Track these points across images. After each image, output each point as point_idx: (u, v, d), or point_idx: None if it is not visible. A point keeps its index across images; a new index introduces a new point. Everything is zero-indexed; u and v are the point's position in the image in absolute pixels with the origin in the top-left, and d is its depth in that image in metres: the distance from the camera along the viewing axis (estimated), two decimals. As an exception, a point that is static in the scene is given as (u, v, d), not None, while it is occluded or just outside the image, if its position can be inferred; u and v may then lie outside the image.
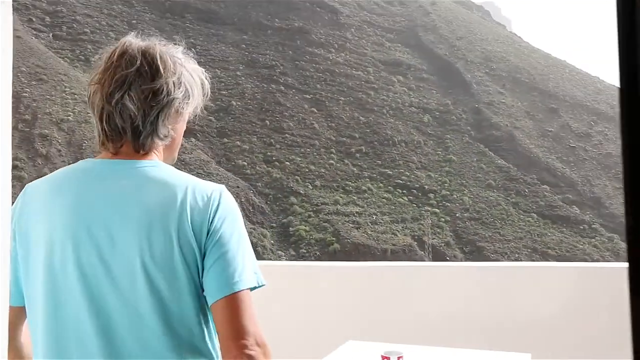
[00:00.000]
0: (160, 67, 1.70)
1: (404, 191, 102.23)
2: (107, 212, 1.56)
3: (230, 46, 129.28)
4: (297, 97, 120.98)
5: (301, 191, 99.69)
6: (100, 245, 1.52)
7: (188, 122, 1.86)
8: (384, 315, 4.16)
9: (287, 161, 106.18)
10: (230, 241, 1.52)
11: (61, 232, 1.56)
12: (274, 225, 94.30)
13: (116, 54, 1.78)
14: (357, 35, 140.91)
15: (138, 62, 1.71)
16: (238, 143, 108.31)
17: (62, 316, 1.51)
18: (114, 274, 1.50)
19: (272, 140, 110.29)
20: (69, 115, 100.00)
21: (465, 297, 4.13)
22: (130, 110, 1.63)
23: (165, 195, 1.55)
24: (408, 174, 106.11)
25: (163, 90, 1.66)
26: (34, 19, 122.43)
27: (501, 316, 3.95)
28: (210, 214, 1.53)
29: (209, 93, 1.87)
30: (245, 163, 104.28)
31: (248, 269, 1.51)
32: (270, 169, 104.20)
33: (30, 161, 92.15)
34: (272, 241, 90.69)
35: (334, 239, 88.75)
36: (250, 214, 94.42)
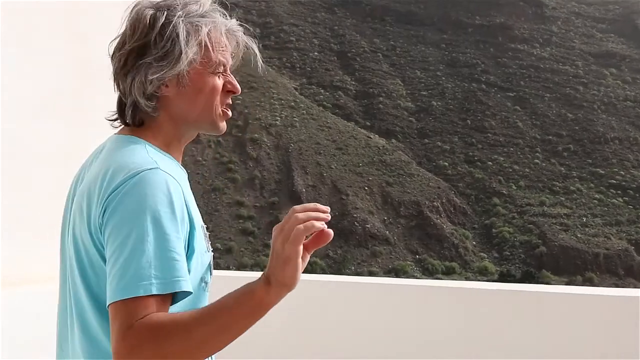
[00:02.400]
0: (130, 28, 1.45)
1: (619, 192, 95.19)
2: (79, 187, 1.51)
3: (430, 46, 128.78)
4: (499, 95, 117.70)
5: (504, 192, 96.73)
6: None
7: (216, 71, 1.51)
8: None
9: (489, 161, 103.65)
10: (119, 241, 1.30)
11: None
12: (476, 226, 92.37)
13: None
14: (564, 28, 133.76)
15: (123, 26, 1.48)
16: (439, 143, 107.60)
17: None
18: None
19: (473, 140, 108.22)
20: (277, 120, 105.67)
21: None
22: (114, 80, 1.49)
23: (93, 176, 1.41)
24: (623, 173, 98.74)
25: (135, 51, 1.43)
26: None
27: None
28: (108, 205, 1.32)
29: (231, 27, 1.54)
30: (447, 163, 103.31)
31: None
32: (472, 169, 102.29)
33: (243, 164, 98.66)
34: (474, 243, 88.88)
35: (539, 241, 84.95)
36: (451, 215, 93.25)
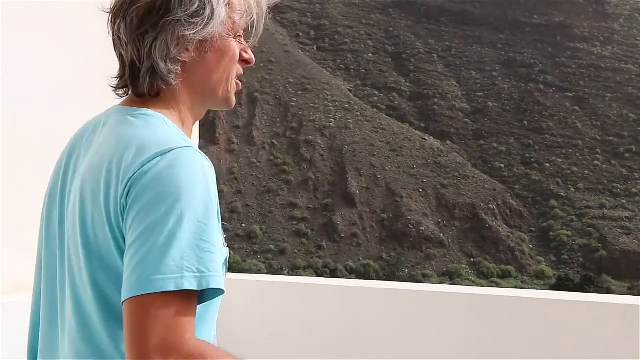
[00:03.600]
0: None
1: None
2: (80, 167, 1.32)
3: (486, 47, 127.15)
4: (557, 96, 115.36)
5: (562, 194, 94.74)
6: None
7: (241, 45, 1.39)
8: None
9: (547, 163, 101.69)
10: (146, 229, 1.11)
11: None
12: (533, 229, 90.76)
13: None
14: (627, 25, 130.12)
15: None
16: (495, 145, 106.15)
17: None
18: None
19: (530, 141, 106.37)
20: (331, 122, 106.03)
21: None
22: (123, 42, 1.27)
23: (105, 154, 1.22)
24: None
25: (157, 7, 1.24)
26: (300, 34, 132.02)
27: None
28: (130, 187, 1.14)
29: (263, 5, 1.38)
30: (503, 165, 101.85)
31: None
32: (528, 171, 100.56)
33: (297, 165, 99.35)
34: (530, 246, 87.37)
35: (599, 245, 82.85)
36: (507, 217, 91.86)
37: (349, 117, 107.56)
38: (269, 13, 1.43)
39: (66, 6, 3.33)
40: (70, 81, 3.33)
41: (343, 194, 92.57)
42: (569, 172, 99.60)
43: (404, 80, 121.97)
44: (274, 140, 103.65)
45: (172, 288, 1.03)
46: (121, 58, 1.29)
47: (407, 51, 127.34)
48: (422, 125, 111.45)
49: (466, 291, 3.44)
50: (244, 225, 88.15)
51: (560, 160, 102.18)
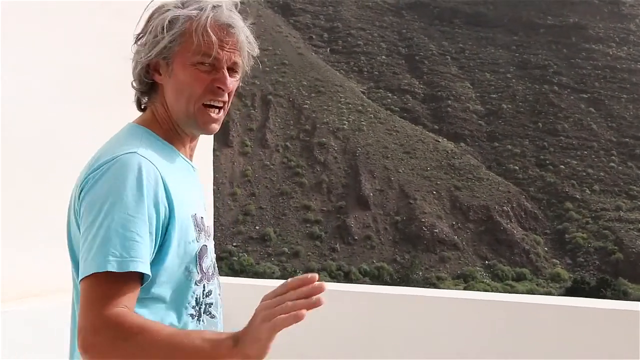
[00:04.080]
0: (143, 20, 1.56)
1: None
2: None
3: (500, 48, 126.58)
4: (572, 97, 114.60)
5: (577, 196, 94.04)
6: None
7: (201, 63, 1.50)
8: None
9: (561, 165, 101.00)
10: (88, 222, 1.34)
11: None
12: (548, 232, 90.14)
13: None
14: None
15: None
16: (509, 147, 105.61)
17: None
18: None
19: (545, 143, 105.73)
20: (344, 124, 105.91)
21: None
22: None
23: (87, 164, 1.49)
24: None
25: (135, 40, 1.55)
26: (313, 37, 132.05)
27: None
28: (83, 188, 1.39)
29: (217, 22, 1.50)
30: (517, 167, 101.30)
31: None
32: (543, 173, 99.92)
33: (310, 168, 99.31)
34: (545, 248, 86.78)
35: (615, 247, 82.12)
36: (522, 219, 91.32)
37: (362, 119, 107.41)
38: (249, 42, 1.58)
39: (66, 6, 3.27)
40: (69, 81, 3.25)
41: (357, 196, 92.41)
42: (585, 174, 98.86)
43: (417, 82, 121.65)
44: (288, 143, 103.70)
45: (95, 270, 1.25)
46: None
47: (421, 53, 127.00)
48: (436, 127, 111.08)
49: (478, 297, 3.36)
50: (257, 227, 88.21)
51: (575, 162, 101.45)
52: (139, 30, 1.53)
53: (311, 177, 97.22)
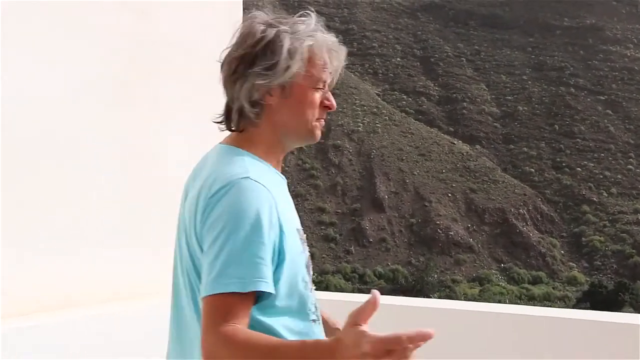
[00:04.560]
0: (241, 39, 1.61)
1: None
2: (189, 193, 1.67)
3: (516, 50, 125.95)
4: (589, 99, 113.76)
5: (595, 199, 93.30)
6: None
7: (315, 84, 1.64)
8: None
9: (578, 167, 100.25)
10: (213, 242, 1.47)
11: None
12: (564, 235, 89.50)
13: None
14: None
15: (233, 38, 1.64)
16: (525, 149, 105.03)
17: None
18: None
19: (561, 145, 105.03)
20: (359, 126, 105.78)
21: None
22: (223, 86, 1.64)
23: (200, 183, 1.58)
24: None
25: (244, 60, 1.58)
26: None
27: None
28: (205, 211, 1.50)
29: (333, 46, 1.66)
30: (533, 170, 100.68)
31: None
32: (559, 175, 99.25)
33: (325, 170, 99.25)
34: (562, 252, 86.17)
35: (633, 251, 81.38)
36: (538, 222, 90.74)
37: (377, 122, 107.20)
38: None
39: (78, 5, 3.18)
40: (77, 81, 3.14)
41: (371, 199, 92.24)
42: (602, 176, 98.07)
43: (432, 84, 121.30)
44: (303, 145, 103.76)
45: (220, 291, 1.37)
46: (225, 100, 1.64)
47: (436, 55, 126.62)
48: (451, 129, 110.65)
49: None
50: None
51: (592, 164, 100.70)
52: (244, 50, 1.57)
53: (326, 180, 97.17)
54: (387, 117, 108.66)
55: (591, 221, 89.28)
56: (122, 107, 3.36)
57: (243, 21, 1.64)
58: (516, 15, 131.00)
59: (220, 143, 1.68)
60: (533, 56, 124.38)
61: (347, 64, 1.64)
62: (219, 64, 1.64)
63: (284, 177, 1.71)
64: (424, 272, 76.81)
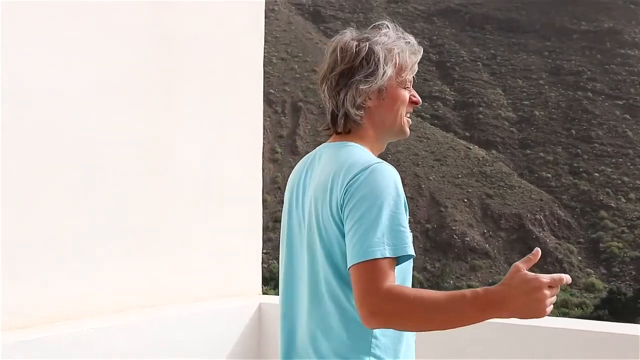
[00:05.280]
0: (340, 56, 1.90)
1: None
2: (309, 184, 1.93)
3: (532, 54, 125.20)
4: (607, 104, 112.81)
5: (612, 204, 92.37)
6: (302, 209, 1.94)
7: (404, 84, 1.96)
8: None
9: (595, 172, 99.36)
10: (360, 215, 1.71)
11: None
12: (582, 240, 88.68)
13: (326, 52, 2.01)
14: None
15: (329, 56, 1.94)
16: (541, 154, 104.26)
17: None
18: (302, 232, 1.91)
19: (578, 150, 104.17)
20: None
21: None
22: (326, 97, 1.93)
23: (328, 172, 1.83)
24: None
25: (346, 73, 1.88)
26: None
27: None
28: (347, 192, 1.74)
29: (413, 49, 1.99)
30: (550, 175, 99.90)
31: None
32: (577, 180, 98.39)
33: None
34: (579, 258, 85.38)
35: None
36: (555, 228, 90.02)
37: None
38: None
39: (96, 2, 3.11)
40: (94, 79, 3.09)
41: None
42: (620, 182, 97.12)
43: (448, 89, 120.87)
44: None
45: (378, 256, 1.61)
46: (329, 109, 1.94)
47: (452, 59, 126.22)
48: (467, 134, 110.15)
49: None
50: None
51: (610, 169, 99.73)
52: (349, 63, 1.87)
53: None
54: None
55: (609, 227, 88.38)
56: (145, 106, 3.33)
57: (332, 42, 1.94)
58: (532, 20, 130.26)
59: (328, 142, 1.98)
60: (550, 60, 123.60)
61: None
62: (317, 82, 1.96)
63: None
64: (440, 278, 76.39)
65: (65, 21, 2.97)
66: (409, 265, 1.82)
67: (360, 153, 1.84)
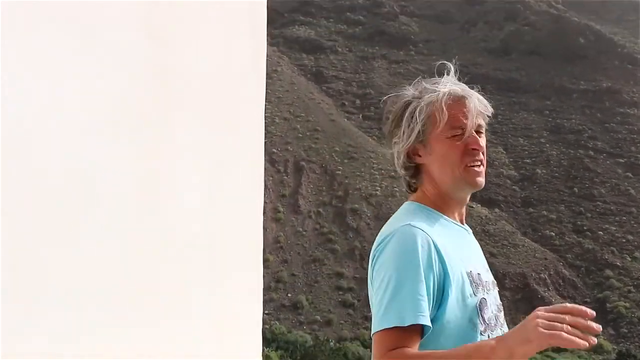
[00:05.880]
0: (390, 119, 1.97)
1: None
2: None
3: (533, 113, 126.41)
4: (608, 162, 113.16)
5: (618, 263, 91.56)
6: None
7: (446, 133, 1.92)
8: None
9: (600, 231, 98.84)
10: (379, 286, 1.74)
11: None
12: (588, 300, 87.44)
13: None
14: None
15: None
16: (544, 212, 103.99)
17: None
18: None
19: (581, 208, 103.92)
20: (377, 190, 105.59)
21: None
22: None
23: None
24: None
25: (390, 135, 1.96)
26: (346, 103, 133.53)
27: None
28: (373, 259, 1.81)
29: (453, 96, 1.94)
30: (553, 233, 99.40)
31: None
32: (581, 239, 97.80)
33: (343, 234, 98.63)
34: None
35: (661, 318, 79.32)
36: (560, 287, 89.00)
37: (395, 185, 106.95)
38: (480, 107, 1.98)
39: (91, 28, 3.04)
40: (89, 112, 2.97)
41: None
42: (624, 240, 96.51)
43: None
44: (320, 209, 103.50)
45: (385, 326, 1.62)
46: None
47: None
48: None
49: None
50: (289, 295, 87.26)
51: (614, 228, 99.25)
52: (389, 127, 1.94)
53: (344, 244, 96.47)
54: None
55: (615, 286, 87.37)
56: (141, 136, 3.19)
57: (388, 101, 2.00)
58: (532, 80, 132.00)
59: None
60: (550, 119, 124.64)
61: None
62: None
63: (462, 225, 1.96)
64: (445, 339, 75.17)
65: (57, 52, 2.87)
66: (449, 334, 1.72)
67: (397, 216, 1.84)
